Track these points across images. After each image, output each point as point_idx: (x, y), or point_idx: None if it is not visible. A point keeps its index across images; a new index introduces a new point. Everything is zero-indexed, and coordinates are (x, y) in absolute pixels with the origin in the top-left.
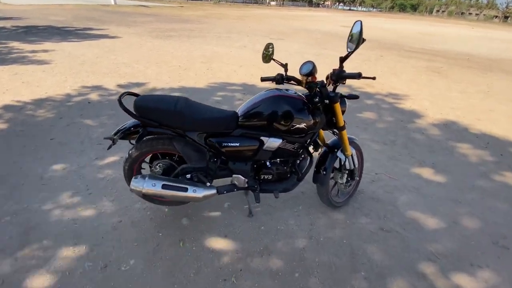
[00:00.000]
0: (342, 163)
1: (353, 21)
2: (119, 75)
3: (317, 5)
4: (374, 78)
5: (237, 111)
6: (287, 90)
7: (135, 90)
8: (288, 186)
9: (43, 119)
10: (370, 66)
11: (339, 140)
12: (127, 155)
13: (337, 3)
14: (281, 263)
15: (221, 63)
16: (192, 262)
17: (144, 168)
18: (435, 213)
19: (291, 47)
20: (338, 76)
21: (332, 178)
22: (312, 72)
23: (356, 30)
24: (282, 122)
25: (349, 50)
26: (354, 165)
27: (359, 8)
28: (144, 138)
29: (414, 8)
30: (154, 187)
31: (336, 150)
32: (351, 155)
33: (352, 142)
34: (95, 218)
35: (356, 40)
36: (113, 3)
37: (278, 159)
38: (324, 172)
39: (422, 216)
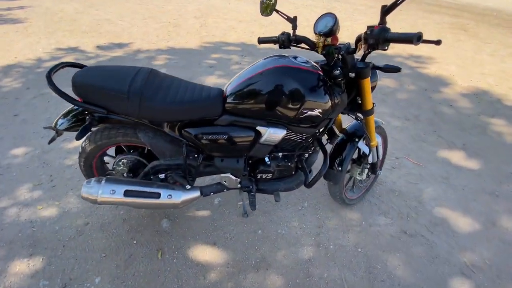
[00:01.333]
0: (362, 155)
1: None
2: (100, 34)
3: None
4: (438, 43)
5: (224, 89)
6: (295, 57)
7: (117, 52)
8: (292, 185)
9: (8, 90)
10: (388, 22)
11: (364, 126)
12: (80, 149)
13: None
14: (281, 280)
15: (217, 18)
16: (171, 280)
17: (108, 163)
18: (468, 210)
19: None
20: (380, 37)
21: (348, 171)
22: (333, 31)
23: None
24: (288, 106)
25: None
26: (378, 157)
27: None
28: (96, 129)
29: None
30: (114, 195)
31: (356, 138)
32: (377, 146)
33: (377, 127)
34: (57, 220)
35: None
36: None
37: (280, 154)
38: (340, 168)
39: (453, 214)
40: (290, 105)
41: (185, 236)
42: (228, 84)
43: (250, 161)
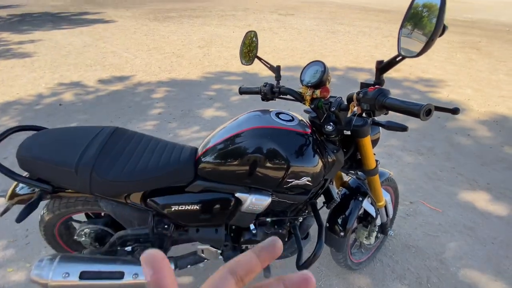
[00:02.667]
0: (368, 218)
1: None
2: (103, 67)
3: None
4: (456, 112)
5: (198, 148)
6: (278, 113)
7: (117, 86)
8: (285, 253)
9: (2, 130)
10: (394, 44)
11: (368, 186)
12: (40, 216)
13: None
14: None
15: (220, 47)
16: None
17: (75, 228)
18: (501, 272)
19: (302, 23)
20: (376, 102)
21: (353, 232)
22: (322, 81)
23: (428, 8)
24: (270, 174)
25: (402, 53)
26: (387, 216)
27: None
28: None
29: None
30: (67, 278)
31: (361, 197)
32: (386, 205)
33: (384, 180)
34: (24, 286)
35: (426, 28)
36: None
37: (268, 219)
38: (342, 233)
39: (483, 278)
40: (272, 173)
41: None
42: (202, 143)
43: (231, 230)
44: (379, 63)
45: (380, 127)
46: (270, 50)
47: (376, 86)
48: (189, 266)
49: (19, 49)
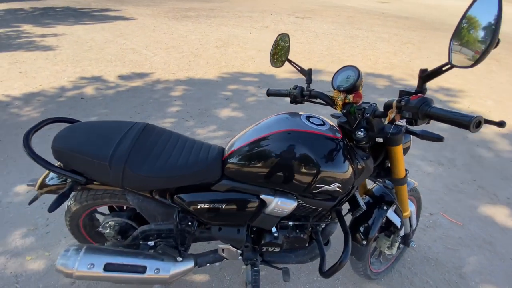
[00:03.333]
0: (392, 228)
1: None
2: (124, 63)
3: None
4: (502, 125)
5: (225, 148)
6: (308, 117)
7: (137, 82)
8: (305, 258)
9: (26, 120)
10: (414, 51)
11: (395, 195)
12: (66, 207)
13: None
14: None
15: (237, 48)
16: None
17: (98, 220)
18: None
19: (319, 27)
20: (419, 112)
21: (374, 241)
22: (355, 86)
23: (476, 19)
24: (299, 178)
25: (453, 63)
26: (411, 227)
27: None
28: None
29: None
30: (92, 269)
31: (385, 206)
32: (410, 215)
33: (409, 191)
34: (43, 275)
35: (478, 40)
36: None
37: (290, 222)
38: (364, 242)
39: None
40: (300, 177)
41: None
42: (229, 142)
43: (252, 231)
44: (423, 71)
45: (411, 136)
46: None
47: (419, 94)
48: (207, 264)
49: (42, 41)
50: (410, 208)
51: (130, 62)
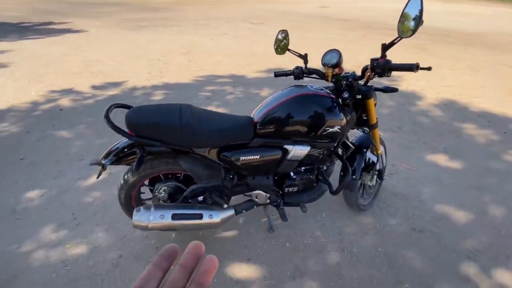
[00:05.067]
0: (370, 163)
1: (331, 2)
2: (92, 74)
3: None
4: (429, 69)
5: (252, 116)
6: (311, 86)
7: (114, 91)
8: (314, 195)
9: (7, 135)
10: (357, 47)
11: (370, 138)
12: (122, 181)
13: None
14: (317, 285)
15: (203, 54)
16: None
17: (143, 193)
18: (462, 204)
19: (274, 31)
20: (385, 67)
21: (359, 179)
22: (338, 63)
23: (412, 9)
24: (312, 127)
25: (400, 35)
26: (383, 164)
27: None
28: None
29: None
30: (163, 219)
31: (364, 149)
32: (381, 154)
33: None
34: (89, 256)
35: (412, 21)
36: None
37: (302, 168)
38: (354, 176)
39: (450, 209)
40: (314, 126)
41: (219, 255)
42: (255, 111)
43: (276, 178)
44: (384, 44)
45: (377, 96)
46: (251, 55)
47: (383, 58)
48: (244, 211)
49: None
50: (381, 148)
51: (98, 73)
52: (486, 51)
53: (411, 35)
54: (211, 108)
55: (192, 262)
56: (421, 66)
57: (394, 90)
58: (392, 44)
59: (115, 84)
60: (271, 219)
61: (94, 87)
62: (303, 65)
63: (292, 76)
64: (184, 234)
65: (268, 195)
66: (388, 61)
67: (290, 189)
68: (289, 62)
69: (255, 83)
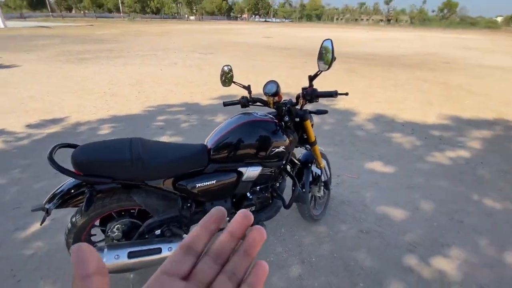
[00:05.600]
0: (316, 176)
1: (273, 33)
2: (26, 112)
3: (235, 18)
4: (347, 94)
5: (205, 143)
6: (256, 113)
7: (53, 128)
8: (271, 213)
9: None
10: (299, 73)
11: (312, 154)
12: (70, 224)
13: (253, 16)
14: None
15: (153, 84)
16: None
17: (94, 234)
18: (398, 203)
19: (223, 60)
20: (313, 95)
21: (309, 192)
22: (277, 92)
23: (325, 48)
24: (261, 149)
25: (320, 69)
26: (327, 176)
27: (273, 20)
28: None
29: (319, 17)
30: (118, 259)
31: (309, 164)
32: (324, 167)
33: (321, 154)
34: None
35: (327, 58)
36: (2, 26)
37: (257, 187)
38: (304, 190)
39: (389, 209)
40: (262, 148)
41: None
42: (208, 138)
43: (234, 200)
44: (310, 76)
45: (313, 116)
46: (203, 83)
47: (311, 87)
48: None
49: None
50: (324, 162)
51: (34, 111)
52: (405, 70)
53: (328, 69)
54: (166, 137)
55: (240, 230)
56: (339, 92)
57: (325, 112)
58: (316, 76)
59: (55, 121)
60: None
61: (30, 126)
62: (247, 95)
63: (240, 105)
64: (140, 272)
65: (228, 218)
66: (315, 90)
67: (249, 210)
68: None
69: (209, 110)
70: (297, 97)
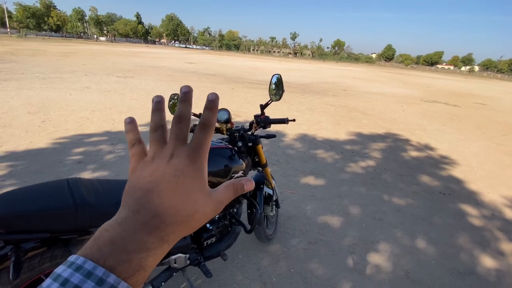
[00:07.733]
0: (267, 195)
1: (195, 59)
2: None
3: (153, 42)
4: (294, 120)
5: None
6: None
7: None
8: (231, 240)
9: None
10: (228, 99)
11: (263, 175)
12: None
13: (173, 41)
14: None
15: (62, 111)
16: None
17: None
18: (333, 211)
19: (146, 85)
20: (266, 122)
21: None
22: (229, 119)
23: (275, 82)
24: (221, 176)
25: (272, 100)
26: (277, 195)
27: (194, 46)
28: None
29: (237, 47)
30: None
31: (262, 185)
32: (274, 186)
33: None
34: None
35: (277, 91)
36: None
37: (216, 216)
38: (260, 211)
39: (327, 217)
40: (223, 174)
41: None
42: None
43: (192, 235)
44: (261, 105)
45: (262, 140)
46: (126, 109)
47: (263, 115)
48: (162, 283)
49: None
50: (273, 182)
51: None
52: (315, 96)
53: (279, 99)
54: (87, 173)
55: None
56: (289, 119)
57: (273, 136)
58: (267, 105)
59: None
60: (191, 282)
61: None
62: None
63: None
64: None
65: (188, 255)
66: (267, 117)
67: (209, 241)
68: (170, 116)
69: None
70: (251, 124)
